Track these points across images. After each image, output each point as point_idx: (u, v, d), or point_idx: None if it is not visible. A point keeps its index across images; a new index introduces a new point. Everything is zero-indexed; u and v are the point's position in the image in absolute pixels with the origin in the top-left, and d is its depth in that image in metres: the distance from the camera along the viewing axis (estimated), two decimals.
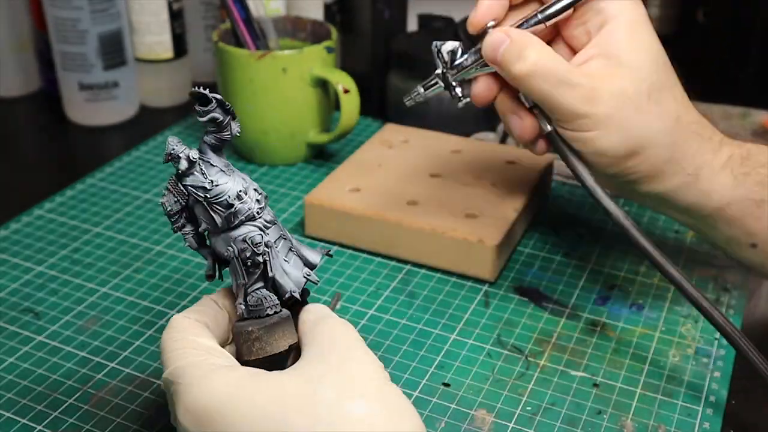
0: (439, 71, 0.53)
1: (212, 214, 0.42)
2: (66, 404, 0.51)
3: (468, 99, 0.53)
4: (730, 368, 0.54)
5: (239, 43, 0.76)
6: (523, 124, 0.52)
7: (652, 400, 0.51)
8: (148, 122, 0.88)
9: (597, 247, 0.66)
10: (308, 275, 0.44)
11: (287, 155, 0.77)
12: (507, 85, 0.52)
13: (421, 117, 0.80)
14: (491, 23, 0.51)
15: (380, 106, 0.86)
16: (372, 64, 0.85)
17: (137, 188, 0.74)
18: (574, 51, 0.52)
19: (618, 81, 0.48)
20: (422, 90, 0.55)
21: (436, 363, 0.54)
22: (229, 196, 0.42)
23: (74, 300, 0.60)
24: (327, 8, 0.87)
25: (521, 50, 0.48)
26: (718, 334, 0.57)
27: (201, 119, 0.43)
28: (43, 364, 0.54)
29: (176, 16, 0.88)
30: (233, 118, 0.43)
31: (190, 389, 0.38)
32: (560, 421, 0.50)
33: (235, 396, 0.37)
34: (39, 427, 0.49)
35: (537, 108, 0.51)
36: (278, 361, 0.42)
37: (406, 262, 0.64)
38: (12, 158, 0.83)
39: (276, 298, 0.43)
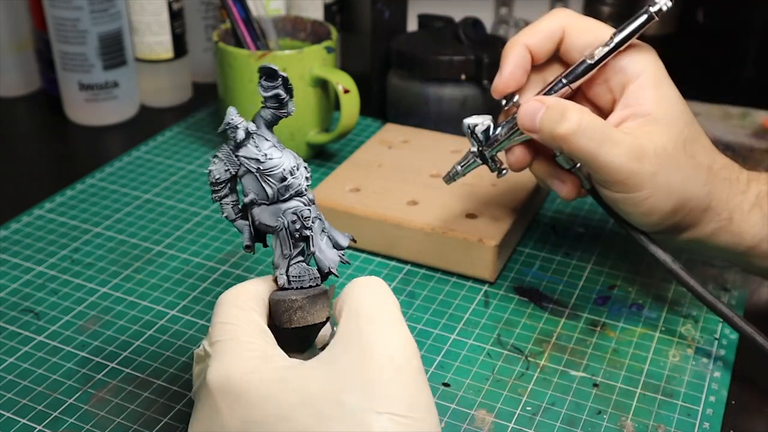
0: (474, 149, 0.54)
1: (264, 185, 0.44)
2: (66, 404, 0.51)
3: (506, 172, 0.54)
4: (730, 368, 0.54)
5: (239, 43, 0.76)
6: (566, 186, 0.53)
7: (652, 400, 0.51)
8: (148, 122, 0.88)
9: (597, 247, 0.66)
10: (341, 256, 0.46)
11: None
12: (541, 150, 0.53)
13: (421, 117, 0.80)
14: (516, 97, 0.54)
15: (380, 106, 0.86)
16: (372, 64, 0.85)
17: (137, 188, 0.74)
18: (598, 108, 0.53)
19: (657, 138, 0.49)
20: (460, 168, 0.56)
21: (436, 363, 0.54)
22: (284, 170, 0.44)
23: (74, 300, 0.60)
24: (327, 8, 0.87)
25: (562, 113, 0.48)
26: (718, 334, 0.57)
27: (264, 94, 0.44)
28: (43, 364, 0.54)
29: (176, 16, 0.88)
30: (291, 98, 0.45)
31: (223, 367, 0.38)
32: (560, 421, 0.50)
33: (262, 389, 0.37)
34: (39, 427, 0.49)
35: (577, 169, 0.52)
36: (312, 332, 0.45)
37: (406, 262, 0.64)
38: (12, 158, 0.83)
39: (317, 271, 0.45)
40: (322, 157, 0.79)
